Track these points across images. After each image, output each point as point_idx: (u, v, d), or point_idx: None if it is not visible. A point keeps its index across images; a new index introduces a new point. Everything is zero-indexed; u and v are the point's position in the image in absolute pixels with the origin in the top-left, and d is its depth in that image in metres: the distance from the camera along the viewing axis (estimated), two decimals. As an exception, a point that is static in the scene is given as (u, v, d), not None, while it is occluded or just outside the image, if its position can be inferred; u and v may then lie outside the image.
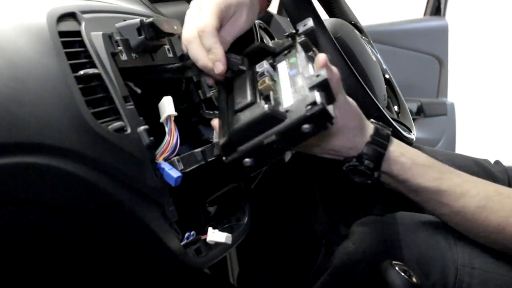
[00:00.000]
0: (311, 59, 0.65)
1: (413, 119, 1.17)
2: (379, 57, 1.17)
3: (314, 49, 0.67)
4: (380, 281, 0.69)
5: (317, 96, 0.55)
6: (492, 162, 1.09)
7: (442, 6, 2.38)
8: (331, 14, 1.22)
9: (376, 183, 0.73)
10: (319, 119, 0.55)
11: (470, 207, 0.71)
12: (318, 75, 0.57)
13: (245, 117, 0.59)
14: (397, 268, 0.68)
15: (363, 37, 1.15)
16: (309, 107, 0.55)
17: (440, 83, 2.39)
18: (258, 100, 0.62)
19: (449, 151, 1.15)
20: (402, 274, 0.67)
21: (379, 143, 0.72)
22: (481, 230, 0.71)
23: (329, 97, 0.57)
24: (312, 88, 0.56)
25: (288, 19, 0.89)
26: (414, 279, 0.67)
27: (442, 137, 2.33)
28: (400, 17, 2.45)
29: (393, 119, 0.97)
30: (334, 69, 0.66)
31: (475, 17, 3.19)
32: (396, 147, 0.73)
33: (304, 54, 0.66)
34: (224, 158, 0.59)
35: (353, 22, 1.19)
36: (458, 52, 2.63)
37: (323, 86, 0.56)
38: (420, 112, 2.29)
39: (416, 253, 0.72)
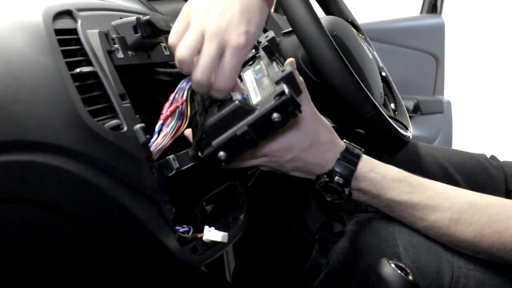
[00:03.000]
0: (275, 61, 0.69)
1: (410, 117, 1.17)
2: (375, 54, 1.17)
3: (277, 54, 0.71)
4: (376, 279, 0.69)
5: (284, 87, 0.59)
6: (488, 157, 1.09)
7: (438, 4, 2.39)
8: (327, 12, 1.22)
9: (347, 200, 0.74)
10: (288, 108, 0.59)
11: (444, 221, 0.71)
12: (283, 71, 0.61)
13: (217, 113, 0.61)
14: (393, 265, 0.68)
15: (360, 35, 1.15)
16: (277, 97, 0.58)
17: (437, 81, 2.39)
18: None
19: (446, 147, 1.15)
20: (399, 271, 0.67)
21: (349, 160, 0.72)
22: (459, 243, 0.71)
23: (296, 90, 0.60)
24: (278, 82, 0.60)
25: (285, 16, 0.89)
26: (410, 277, 0.67)
27: (438, 135, 2.33)
28: (396, 15, 2.45)
29: (390, 117, 0.98)
30: (301, 79, 0.68)
31: (471, 15, 3.20)
32: (365, 164, 0.73)
33: (267, 58, 0.70)
34: (199, 154, 0.61)
35: (350, 20, 1.19)
36: (455, 50, 2.64)
37: (289, 79, 0.60)
38: (416, 110, 2.29)
39: (412, 253, 0.72)
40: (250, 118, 0.60)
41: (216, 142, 0.60)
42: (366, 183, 0.73)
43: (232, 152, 0.61)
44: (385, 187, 0.73)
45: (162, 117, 0.64)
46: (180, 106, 0.64)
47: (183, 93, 0.65)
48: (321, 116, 0.74)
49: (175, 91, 0.65)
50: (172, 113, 0.64)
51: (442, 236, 0.72)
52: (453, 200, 0.72)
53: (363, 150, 0.75)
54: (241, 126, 0.60)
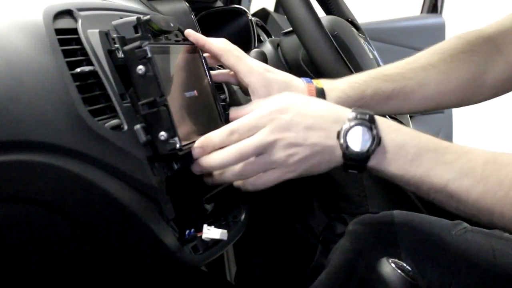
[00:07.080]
0: None
1: (410, 117, 1.17)
2: (376, 54, 1.17)
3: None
4: (376, 278, 0.69)
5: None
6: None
7: (438, 3, 2.39)
8: (328, 11, 1.22)
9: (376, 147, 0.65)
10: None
11: (478, 162, 0.64)
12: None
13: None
14: (393, 265, 0.68)
15: (360, 35, 1.15)
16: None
17: (437, 81, 2.39)
18: None
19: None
20: (399, 271, 0.67)
21: (361, 111, 0.66)
22: (496, 187, 0.63)
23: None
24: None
25: (285, 16, 0.90)
26: (410, 277, 0.68)
27: (438, 135, 2.33)
28: (397, 14, 2.45)
29: (390, 116, 0.98)
30: None
31: (472, 15, 3.20)
32: (381, 120, 0.67)
33: None
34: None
35: (350, 20, 1.20)
36: (455, 49, 2.62)
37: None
38: (416, 110, 2.29)
39: (412, 252, 0.72)
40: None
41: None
42: (392, 135, 0.65)
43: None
44: (410, 134, 0.67)
45: None
46: None
47: None
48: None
49: None
50: None
51: (476, 184, 0.64)
52: (484, 149, 0.66)
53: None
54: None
